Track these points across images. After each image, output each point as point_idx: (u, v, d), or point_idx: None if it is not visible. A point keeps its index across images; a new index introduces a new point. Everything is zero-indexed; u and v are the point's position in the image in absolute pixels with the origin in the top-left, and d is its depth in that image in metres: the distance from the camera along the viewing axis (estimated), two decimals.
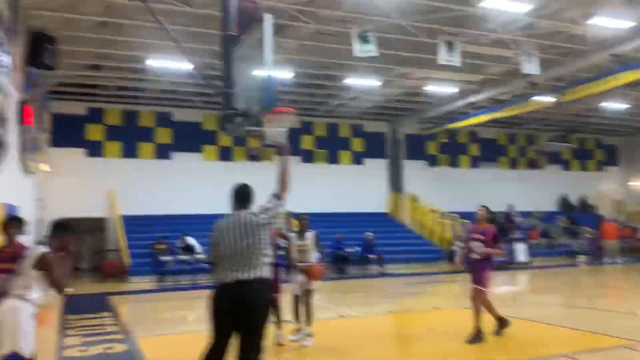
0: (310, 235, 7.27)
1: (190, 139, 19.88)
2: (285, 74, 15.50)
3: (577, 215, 24.75)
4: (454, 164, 24.35)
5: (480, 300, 7.01)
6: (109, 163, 18.82)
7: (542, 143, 25.53)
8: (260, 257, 4.18)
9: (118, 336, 7.87)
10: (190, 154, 19.91)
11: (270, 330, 4.44)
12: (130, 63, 15.49)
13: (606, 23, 12.53)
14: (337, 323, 8.91)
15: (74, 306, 10.70)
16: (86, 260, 20.32)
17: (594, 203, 26.36)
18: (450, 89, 18.29)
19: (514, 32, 13.38)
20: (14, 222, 5.34)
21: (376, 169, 22.72)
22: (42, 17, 11.53)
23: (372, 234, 18.12)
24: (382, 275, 16.98)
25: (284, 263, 7.29)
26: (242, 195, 4.44)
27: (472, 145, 24.85)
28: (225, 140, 19.87)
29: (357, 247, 17.90)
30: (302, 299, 7.20)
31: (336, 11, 11.97)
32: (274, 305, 6.60)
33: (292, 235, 7.27)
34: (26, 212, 10.13)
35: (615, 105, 20.81)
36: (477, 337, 6.89)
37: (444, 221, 20.87)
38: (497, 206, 22.75)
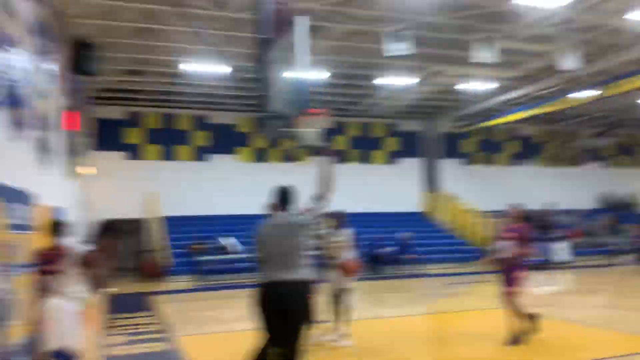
0: (346, 232, 7.29)
1: (225, 141, 20.17)
2: (318, 75, 15.55)
3: (620, 213, 23.96)
4: (490, 162, 23.93)
5: (514, 302, 6.87)
6: (149, 166, 19.26)
7: (583, 140, 24.83)
8: (300, 258, 4.23)
9: (159, 335, 8.07)
10: (226, 155, 20.19)
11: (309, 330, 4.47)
12: (167, 68, 15.82)
13: None
14: (373, 323, 8.90)
15: (116, 305, 11.01)
16: (127, 260, 20.87)
17: (637, 200, 25.48)
18: (486, 86, 17.99)
19: (553, 27, 13.06)
20: (59, 226, 5.56)
21: (411, 168, 22.54)
22: (83, 26, 11.90)
23: (407, 234, 17.99)
24: (418, 275, 16.84)
25: (320, 261, 7.33)
26: (284, 197, 4.51)
27: (509, 142, 24.36)
28: (260, 141, 20.08)
29: (393, 247, 17.79)
30: (339, 299, 7.23)
31: (369, 11, 11.94)
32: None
33: (328, 232, 7.30)
34: (71, 215, 10.48)
35: None
36: (515, 339, 6.77)
37: (480, 220, 20.54)
38: (536, 204, 22.30)
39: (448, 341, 7.22)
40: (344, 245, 7.23)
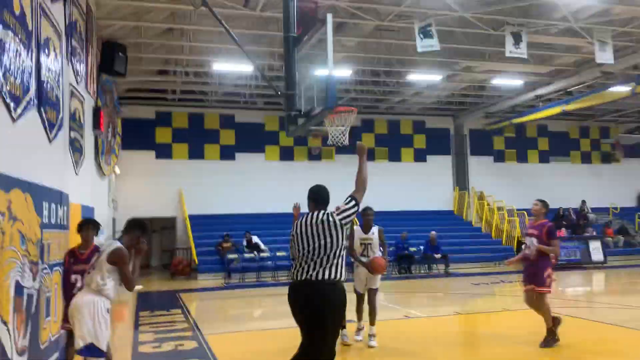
0: (375, 229, 7.21)
1: (252, 139, 20.23)
2: (344, 72, 15.45)
3: None
4: (522, 159, 23.43)
5: (540, 303, 6.68)
6: (177, 164, 19.46)
7: (618, 135, 24.09)
8: (333, 258, 4.19)
9: (188, 333, 8.12)
10: (253, 154, 20.25)
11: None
12: (195, 67, 15.96)
13: None
14: (402, 323, 8.78)
15: (146, 302, 11.16)
16: (156, 258, 21.19)
17: None
18: (518, 82, 17.61)
19: (586, 20, 12.68)
20: (90, 225, 5.61)
21: (440, 165, 22.23)
22: (113, 27, 12.07)
23: (435, 233, 17.77)
24: (448, 274, 16.61)
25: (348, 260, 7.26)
26: (318, 196, 4.49)
27: (542, 139, 23.80)
28: (286, 140, 20.08)
29: (421, 246, 17.60)
30: (365, 298, 7.15)
31: (396, 7, 11.78)
32: None
33: (357, 229, 7.22)
34: (100, 213, 10.65)
35: None
36: (549, 340, 6.58)
37: (512, 219, 20.16)
38: (569, 203, 21.82)
39: (480, 342, 7.07)
40: (373, 243, 7.15)
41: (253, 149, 20.24)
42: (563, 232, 19.49)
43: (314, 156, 20.74)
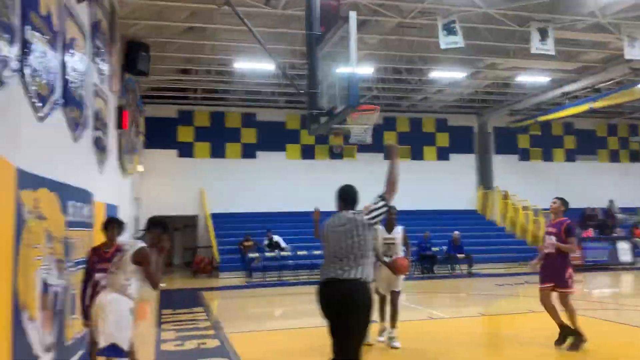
0: (399, 229, 7.12)
1: (273, 138, 20.26)
2: (366, 70, 15.35)
3: None
4: (547, 157, 23.01)
5: (564, 304, 6.51)
6: (199, 163, 19.59)
7: None
8: (361, 257, 4.17)
9: (210, 331, 8.13)
10: (274, 152, 20.28)
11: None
12: (217, 66, 16.03)
13: None
14: (426, 324, 8.68)
15: (168, 300, 11.24)
16: (178, 256, 21.38)
17: None
18: (543, 79, 17.28)
19: (615, 15, 12.36)
20: (115, 224, 5.64)
21: (463, 164, 21.96)
22: (135, 26, 12.17)
23: (459, 232, 17.56)
24: (471, 275, 16.40)
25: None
26: (347, 196, 4.48)
27: (568, 137, 23.35)
28: (307, 138, 20.05)
29: (444, 246, 17.41)
30: (388, 299, 7.08)
31: (419, 3, 11.65)
32: None
33: (380, 228, 7.15)
34: (124, 211, 10.75)
35: None
36: (576, 343, 6.42)
37: (537, 218, 19.81)
38: (597, 202, 21.35)
39: (505, 344, 6.94)
40: (396, 242, 7.06)
41: (274, 148, 20.26)
42: (590, 232, 19.08)
43: (336, 155, 20.69)
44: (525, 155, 22.82)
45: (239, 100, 19.56)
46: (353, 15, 5.86)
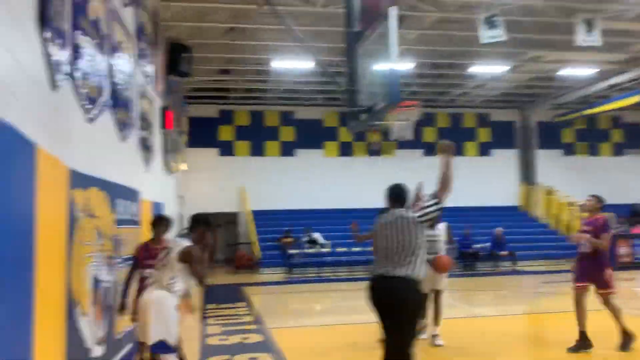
0: (442, 226, 7.04)
1: (312, 136, 20.35)
2: (405, 66, 15.22)
3: None
4: (593, 152, 22.29)
5: (608, 305, 6.30)
6: (239, 161, 19.90)
7: None
8: (411, 255, 4.19)
9: (253, 326, 8.26)
10: (312, 150, 20.37)
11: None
12: (256, 65, 16.20)
13: None
14: (468, 323, 8.57)
15: (212, 296, 11.46)
16: (220, 253, 21.75)
17: None
18: (589, 71, 16.73)
19: None
20: (162, 221, 5.78)
21: (505, 159, 21.52)
22: (177, 28, 12.44)
23: (502, 229, 17.23)
24: (514, 272, 16.07)
25: None
26: (397, 194, 4.53)
27: (615, 131, 22.54)
28: (345, 136, 20.06)
29: (486, 243, 17.11)
30: (430, 297, 7.01)
31: None
32: None
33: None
34: (169, 209, 11.02)
35: None
36: (625, 342, 6.21)
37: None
38: None
39: (552, 344, 6.75)
40: (440, 240, 6.99)
41: (312, 145, 20.36)
42: (639, 229, 18.38)
43: (374, 152, 20.62)
44: (569, 150, 22.16)
45: (277, 99, 19.74)
46: (393, 11, 5.81)
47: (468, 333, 7.68)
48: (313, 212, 18.99)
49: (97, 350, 5.20)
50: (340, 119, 20.11)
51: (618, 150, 22.45)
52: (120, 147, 6.74)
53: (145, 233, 7.23)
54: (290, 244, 16.91)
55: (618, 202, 17.58)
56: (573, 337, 6.33)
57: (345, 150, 20.64)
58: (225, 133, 20.05)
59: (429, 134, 20.88)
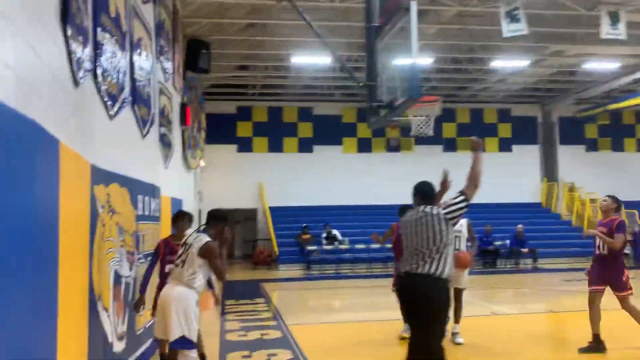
0: (463, 222, 6.95)
1: (330, 132, 20.29)
2: (425, 60, 15.07)
3: None
4: (617, 147, 21.82)
5: (626, 307, 6.16)
6: (257, 157, 19.94)
7: None
8: (436, 252, 4.15)
9: (272, 322, 8.28)
10: (331, 146, 20.32)
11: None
12: (274, 62, 16.19)
13: None
14: (489, 320, 8.47)
15: (231, 292, 11.52)
16: (239, 249, 21.87)
17: None
18: (614, 65, 16.38)
19: None
20: (185, 216, 5.79)
21: (526, 156, 21.21)
22: (196, 24, 12.48)
23: (522, 226, 17.00)
24: (535, 270, 15.85)
25: None
26: (423, 191, 4.52)
27: None
28: (364, 132, 19.97)
29: (507, 240, 16.90)
30: (451, 294, 6.94)
31: None
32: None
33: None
34: (188, 205, 11.09)
35: None
36: None
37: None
38: None
39: (574, 344, 6.63)
40: (461, 236, 6.91)
41: (331, 142, 20.30)
42: None
43: (392, 147, 20.51)
44: (593, 146, 21.76)
45: (295, 95, 19.71)
46: (414, 6, 5.72)
47: (488, 331, 7.60)
48: (331, 209, 18.97)
49: (118, 345, 5.25)
50: (358, 114, 20.03)
51: None
52: (141, 144, 6.79)
53: (165, 229, 7.28)
54: (308, 241, 16.91)
55: None
56: (604, 336, 6.21)
57: (364, 146, 20.55)
58: (244, 129, 20.11)
59: (449, 130, 20.68)
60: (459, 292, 6.88)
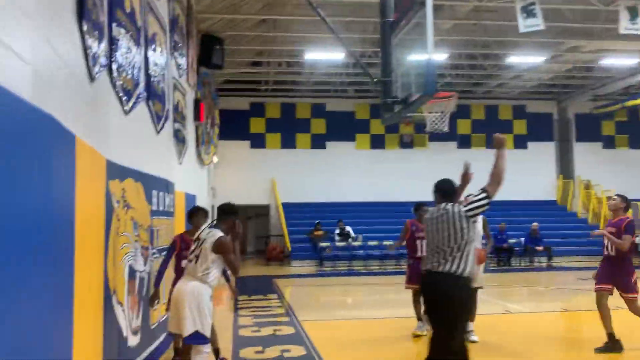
0: (479, 218, 6.88)
1: (343, 128, 20.23)
2: (440, 56, 14.95)
3: None
4: (635, 145, 21.48)
5: (633, 308, 6.05)
6: (270, 154, 19.95)
7: None
8: (457, 250, 4.11)
9: (285, 318, 8.28)
10: (344, 142, 20.27)
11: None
12: (287, 57, 16.17)
13: None
14: (503, 319, 8.40)
15: (244, 286, 11.55)
16: (251, 245, 21.94)
17: None
18: (632, 60, 16.12)
19: None
20: (200, 212, 5.80)
21: (542, 153, 20.98)
22: (209, 20, 12.49)
23: (537, 224, 16.83)
24: (550, 268, 15.70)
25: None
26: (444, 189, 4.50)
27: None
28: (377, 128, 19.89)
29: (522, 238, 16.75)
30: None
31: None
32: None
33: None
34: (201, 201, 11.13)
35: None
36: None
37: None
38: None
39: (589, 343, 6.55)
40: (476, 232, 6.83)
41: (344, 138, 20.25)
42: None
43: (406, 144, 20.40)
44: (610, 143, 21.46)
45: (308, 91, 19.68)
46: (429, 1, 5.66)
47: (502, 329, 7.53)
48: (344, 205, 18.93)
49: (133, 339, 5.28)
50: (371, 111, 19.94)
51: None
52: (155, 139, 6.81)
53: (178, 224, 7.30)
54: (321, 237, 16.91)
55: None
56: (619, 335, 6.12)
57: (377, 142, 20.47)
58: (257, 125, 20.13)
59: (464, 126, 20.52)
60: (474, 291, 6.81)
